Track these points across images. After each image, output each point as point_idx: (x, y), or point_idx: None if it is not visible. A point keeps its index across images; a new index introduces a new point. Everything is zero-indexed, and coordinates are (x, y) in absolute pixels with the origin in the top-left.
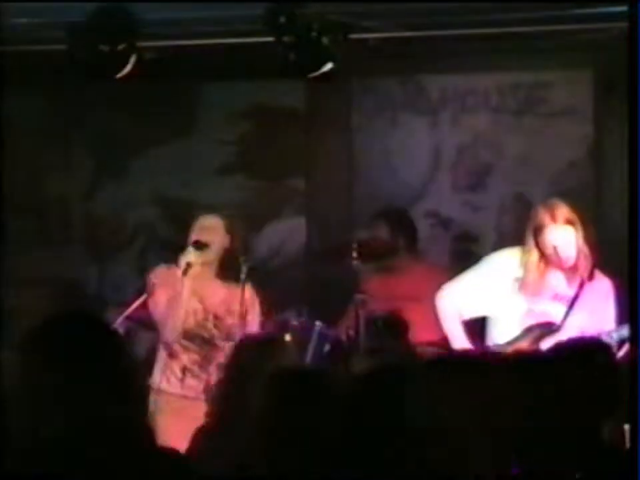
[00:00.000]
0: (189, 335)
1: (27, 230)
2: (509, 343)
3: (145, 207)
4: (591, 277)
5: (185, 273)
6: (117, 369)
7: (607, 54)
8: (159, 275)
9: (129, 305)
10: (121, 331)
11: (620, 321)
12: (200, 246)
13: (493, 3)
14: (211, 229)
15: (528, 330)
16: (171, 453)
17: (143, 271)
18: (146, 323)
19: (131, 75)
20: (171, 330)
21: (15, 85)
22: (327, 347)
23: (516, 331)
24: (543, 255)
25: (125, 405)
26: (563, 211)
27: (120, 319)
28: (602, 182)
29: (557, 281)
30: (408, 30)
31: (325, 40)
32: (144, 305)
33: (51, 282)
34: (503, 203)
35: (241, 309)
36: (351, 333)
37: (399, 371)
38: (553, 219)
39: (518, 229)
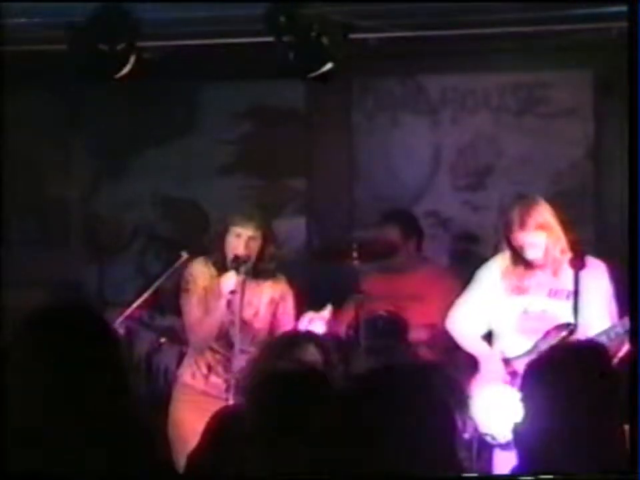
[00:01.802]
0: (216, 336)
1: (27, 230)
2: (530, 351)
3: (144, 206)
4: (582, 265)
5: (232, 293)
6: (112, 363)
7: (606, 54)
8: (196, 274)
9: (129, 304)
10: (121, 330)
11: (622, 309)
12: (240, 262)
13: (493, 3)
14: (249, 240)
15: (546, 335)
16: (165, 446)
17: (143, 271)
18: (146, 323)
19: (130, 75)
20: (204, 336)
21: (14, 85)
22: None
23: (520, 337)
24: (515, 253)
25: (120, 399)
26: (534, 214)
27: (120, 319)
28: (602, 182)
29: (544, 277)
30: (408, 30)
31: (325, 40)
32: (175, 296)
33: (51, 282)
34: (503, 202)
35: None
36: (351, 332)
37: (400, 370)
38: (522, 223)
39: None
